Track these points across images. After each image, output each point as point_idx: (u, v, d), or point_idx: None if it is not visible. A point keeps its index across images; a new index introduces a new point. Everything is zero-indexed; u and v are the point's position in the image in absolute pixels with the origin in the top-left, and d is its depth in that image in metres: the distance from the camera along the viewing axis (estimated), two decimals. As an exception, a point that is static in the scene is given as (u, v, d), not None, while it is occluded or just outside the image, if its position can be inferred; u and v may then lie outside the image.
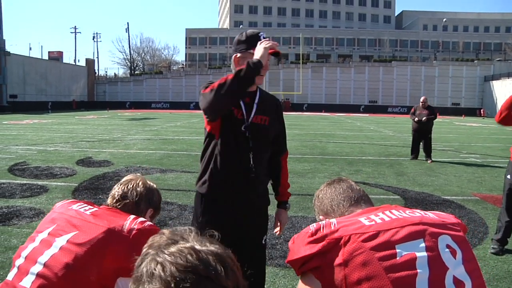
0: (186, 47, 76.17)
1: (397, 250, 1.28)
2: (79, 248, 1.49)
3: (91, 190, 6.92)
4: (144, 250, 0.93)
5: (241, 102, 2.36)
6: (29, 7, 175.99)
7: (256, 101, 2.41)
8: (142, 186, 1.89)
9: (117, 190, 1.88)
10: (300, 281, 1.39)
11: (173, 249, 0.89)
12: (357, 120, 33.06)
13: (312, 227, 1.38)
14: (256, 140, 2.37)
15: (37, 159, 10.14)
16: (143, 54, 79.71)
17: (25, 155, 10.76)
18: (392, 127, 24.89)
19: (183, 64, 74.63)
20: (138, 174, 2.05)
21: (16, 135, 16.14)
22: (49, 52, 57.37)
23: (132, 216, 1.65)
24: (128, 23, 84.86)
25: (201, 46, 75.55)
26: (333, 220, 1.40)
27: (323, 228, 1.36)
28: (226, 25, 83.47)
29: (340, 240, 1.30)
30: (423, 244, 1.30)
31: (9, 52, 41.12)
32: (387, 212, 1.43)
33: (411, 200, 6.72)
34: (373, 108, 54.10)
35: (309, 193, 6.99)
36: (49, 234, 1.59)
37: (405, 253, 1.27)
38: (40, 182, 7.48)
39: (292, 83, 57.02)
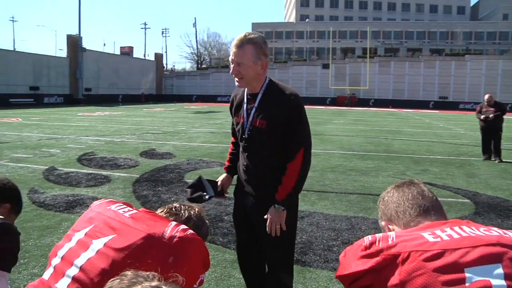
0: (251, 42, 76.47)
1: (467, 275, 1.07)
2: (117, 253, 1.40)
3: (151, 182, 7.04)
4: None
5: (244, 107, 2.55)
6: (103, 4, 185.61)
7: (256, 104, 2.50)
8: (197, 213, 1.79)
9: (173, 204, 1.82)
10: None
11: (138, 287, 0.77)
12: (426, 117, 31.65)
13: (367, 239, 1.22)
14: (250, 143, 2.53)
15: (104, 149, 10.55)
16: (209, 48, 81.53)
17: (94, 145, 11.23)
18: (464, 125, 23.54)
19: (248, 58, 75.22)
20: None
21: (88, 126, 16.94)
22: (120, 47, 59.97)
23: (174, 223, 1.53)
24: (195, 18, 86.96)
25: (267, 40, 75.30)
26: (392, 233, 1.22)
27: (379, 241, 1.19)
28: (292, 18, 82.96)
29: (398, 257, 1.13)
30: (500, 270, 1.07)
31: (85, 48, 43.44)
32: (456, 228, 1.22)
33: (483, 205, 6.21)
34: (443, 105, 51.56)
35: (371, 193, 6.68)
36: (85, 234, 1.51)
37: (477, 279, 1.06)
38: (104, 172, 7.74)
39: (358, 77, 55.67)
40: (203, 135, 14.69)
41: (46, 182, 6.88)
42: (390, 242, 1.17)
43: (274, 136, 2.43)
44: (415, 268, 1.10)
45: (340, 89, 54.10)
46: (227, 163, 2.83)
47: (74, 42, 42.64)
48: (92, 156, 9.47)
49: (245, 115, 2.53)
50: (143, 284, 0.79)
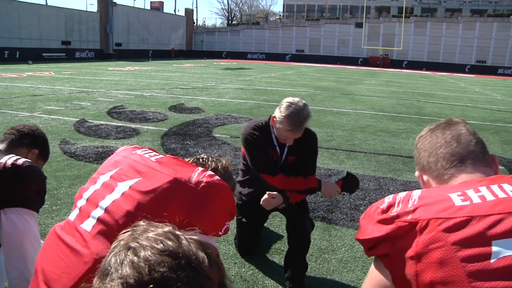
0: (284, -2, 74.78)
1: (494, 249, 0.87)
2: (142, 196, 1.38)
3: (180, 136, 7.07)
4: (113, 245, 0.77)
5: (278, 149, 2.83)
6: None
7: (287, 144, 2.81)
8: (224, 165, 1.75)
9: (201, 155, 1.79)
10: (372, 263, 1.09)
11: (149, 234, 0.74)
12: (461, 81, 30.58)
13: (387, 200, 1.04)
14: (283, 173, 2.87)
15: (134, 103, 10.62)
16: (241, 4, 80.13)
17: (123, 99, 11.32)
18: (502, 91, 22.66)
19: (280, 15, 73.82)
20: None
21: (118, 81, 17.06)
22: (151, 2, 59.48)
23: (201, 168, 1.50)
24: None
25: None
26: (415, 193, 1.03)
27: (398, 203, 1.01)
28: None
29: (416, 225, 0.95)
30: None
31: (116, 3, 43.19)
32: (495, 187, 0.98)
33: (518, 171, 6.02)
34: (481, 69, 49.58)
35: (401, 154, 6.55)
36: (111, 177, 1.49)
37: (506, 254, 0.86)
38: (133, 125, 7.81)
39: (392, 38, 53.89)
40: (232, 91, 14.60)
41: (77, 133, 7.00)
42: (410, 205, 0.99)
43: (298, 165, 2.88)
44: (433, 239, 0.92)
45: (373, 49, 52.64)
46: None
47: (104, -4, 42.49)
48: (122, 110, 9.55)
49: (279, 155, 2.84)
50: (156, 230, 0.75)
